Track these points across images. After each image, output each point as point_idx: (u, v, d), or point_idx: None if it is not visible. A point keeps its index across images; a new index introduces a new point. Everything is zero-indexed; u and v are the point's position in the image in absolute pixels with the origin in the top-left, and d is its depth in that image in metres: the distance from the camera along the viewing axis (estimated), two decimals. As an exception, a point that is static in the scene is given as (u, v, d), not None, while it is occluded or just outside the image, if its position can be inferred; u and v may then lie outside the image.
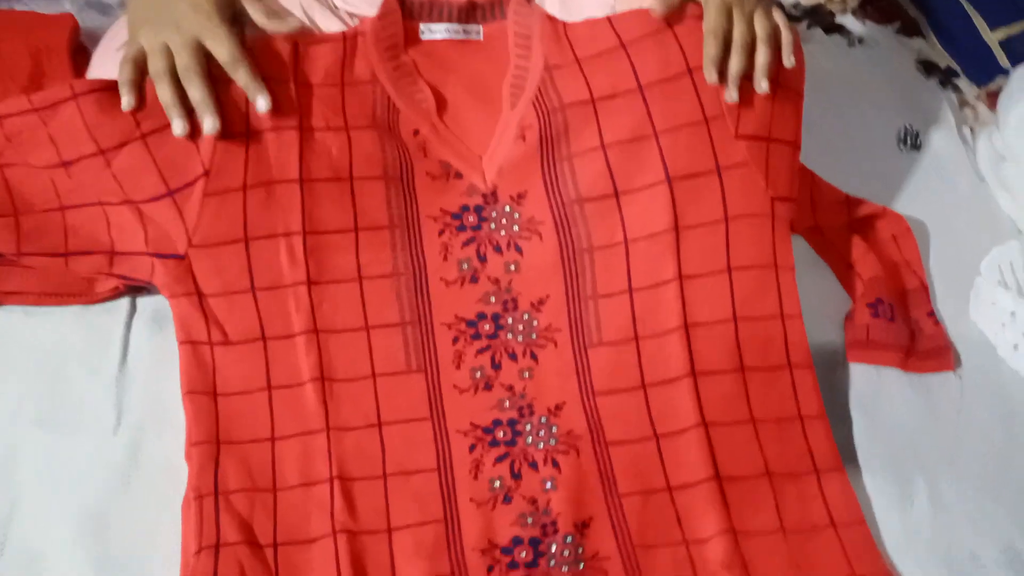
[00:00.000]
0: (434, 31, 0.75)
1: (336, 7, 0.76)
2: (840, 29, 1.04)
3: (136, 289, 0.73)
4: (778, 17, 0.71)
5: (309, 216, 0.68)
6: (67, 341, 0.71)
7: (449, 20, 0.75)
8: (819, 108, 0.86)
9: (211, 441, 0.64)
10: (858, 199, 0.82)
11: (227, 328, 0.67)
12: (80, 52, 0.83)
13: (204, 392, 0.66)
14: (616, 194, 0.70)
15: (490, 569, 0.62)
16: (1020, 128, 0.87)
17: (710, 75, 0.68)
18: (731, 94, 0.68)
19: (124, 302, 0.73)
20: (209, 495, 0.63)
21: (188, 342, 0.67)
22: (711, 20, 0.69)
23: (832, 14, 1.06)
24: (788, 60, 0.70)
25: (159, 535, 0.63)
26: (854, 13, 1.06)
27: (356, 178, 0.70)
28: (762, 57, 0.69)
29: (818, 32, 1.04)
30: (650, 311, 0.69)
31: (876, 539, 0.66)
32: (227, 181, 0.67)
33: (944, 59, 1.01)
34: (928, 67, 1.00)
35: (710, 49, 0.68)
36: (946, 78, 0.99)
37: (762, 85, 0.69)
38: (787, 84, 0.71)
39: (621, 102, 0.71)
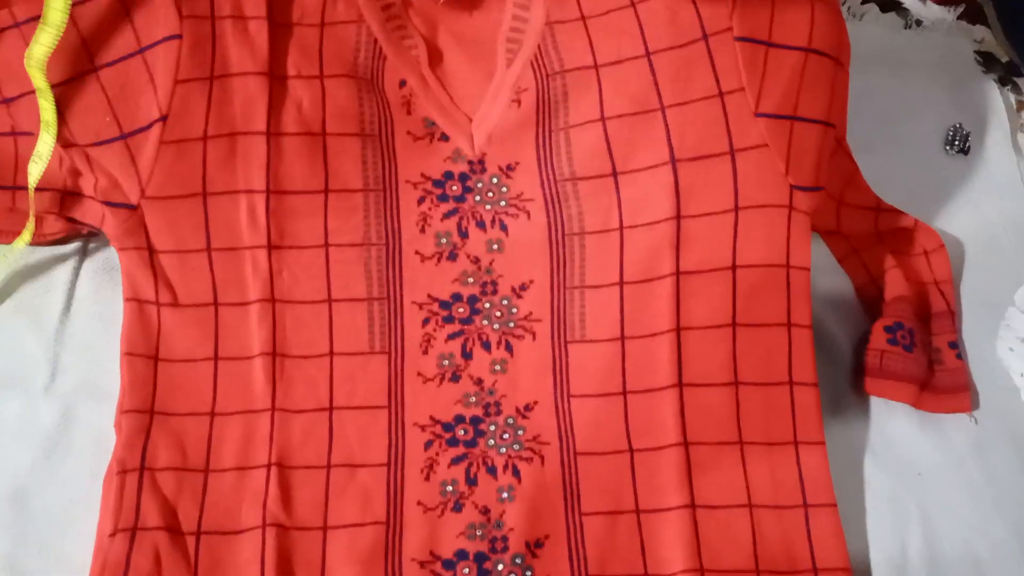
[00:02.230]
0: None
1: None
2: (897, 7, 0.95)
3: (91, 233, 0.67)
4: None
5: (274, 173, 0.62)
6: (4, 284, 0.65)
7: None
8: (862, 94, 0.77)
9: (144, 410, 0.59)
10: (890, 207, 0.74)
11: (177, 289, 0.62)
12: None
13: (144, 355, 0.61)
14: (614, 174, 0.63)
15: None
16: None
17: None
18: None
19: (75, 246, 0.68)
20: (134, 471, 0.58)
21: (134, 299, 0.61)
22: None
23: (891, -11, 0.96)
24: None
25: (84, 513, 0.58)
26: (915, -10, 0.96)
27: (329, 134, 0.63)
28: None
29: (873, 9, 0.94)
30: (640, 309, 0.62)
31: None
32: (186, 128, 0.61)
33: (1007, 52, 0.92)
34: (988, 60, 0.91)
35: None
36: (1006, 75, 0.89)
37: None
38: (822, 50, 0.63)
39: (626, 69, 0.63)
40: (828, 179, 0.68)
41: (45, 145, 0.60)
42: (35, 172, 0.61)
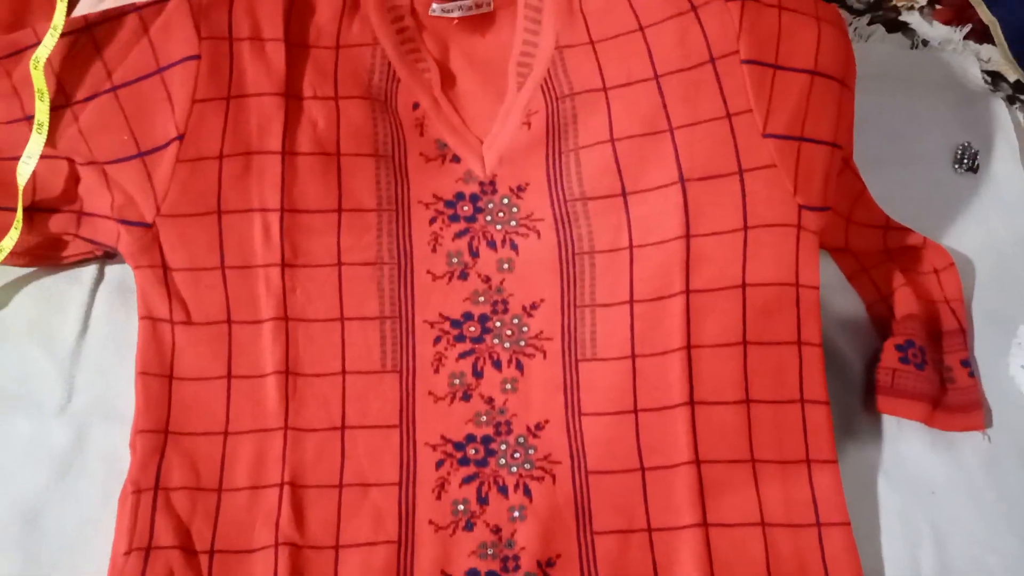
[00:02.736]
0: (448, 10, 0.67)
1: None
2: (904, 27, 0.95)
3: (107, 255, 0.68)
4: None
5: (288, 192, 0.63)
6: (21, 306, 0.66)
7: None
8: (870, 113, 0.78)
9: (159, 430, 0.60)
10: (899, 225, 0.74)
11: (191, 307, 0.62)
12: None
13: (159, 374, 0.61)
14: (624, 193, 0.64)
15: None
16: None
17: None
18: None
19: (91, 268, 0.68)
20: (148, 490, 0.59)
21: (148, 318, 0.62)
22: None
23: (897, 10, 0.96)
24: None
25: (96, 533, 0.59)
26: (921, 11, 0.97)
27: (343, 154, 0.64)
28: None
29: (879, 29, 0.95)
30: (651, 327, 0.62)
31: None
32: (202, 147, 0.62)
33: (1015, 71, 0.92)
34: (995, 79, 0.91)
35: None
36: (1014, 94, 0.90)
37: None
38: (829, 72, 0.64)
39: (635, 91, 0.64)
40: (836, 198, 0.68)
41: (35, 145, 0.61)
42: (25, 172, 0.62)
